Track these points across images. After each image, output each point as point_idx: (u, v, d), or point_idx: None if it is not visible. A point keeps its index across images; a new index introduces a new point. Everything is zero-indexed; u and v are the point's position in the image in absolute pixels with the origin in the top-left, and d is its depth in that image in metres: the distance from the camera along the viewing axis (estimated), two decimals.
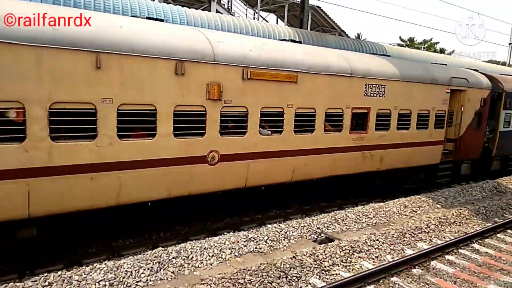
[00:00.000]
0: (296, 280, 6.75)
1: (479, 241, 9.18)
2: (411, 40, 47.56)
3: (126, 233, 8.72)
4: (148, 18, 8.38)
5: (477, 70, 15.39)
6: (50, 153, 6.52)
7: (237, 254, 7.53)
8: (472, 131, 14.80)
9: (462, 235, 9.17)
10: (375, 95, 11.09)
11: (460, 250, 8.60)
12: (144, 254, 6.98)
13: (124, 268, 6.46)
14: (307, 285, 6.66)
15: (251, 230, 8.59)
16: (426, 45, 46.67)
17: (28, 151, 6.31)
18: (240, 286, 6.33)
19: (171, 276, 6.57)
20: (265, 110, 8.93)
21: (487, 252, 8.62)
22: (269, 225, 8.94)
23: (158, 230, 9.08)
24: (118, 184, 7.30)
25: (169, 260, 6.91)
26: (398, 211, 10.66)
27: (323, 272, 7.12)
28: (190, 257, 7.13)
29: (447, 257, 8.24)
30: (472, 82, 14.53)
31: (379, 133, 11.46)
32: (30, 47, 6.09)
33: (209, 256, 7.28)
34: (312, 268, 7.12)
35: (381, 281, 7.00)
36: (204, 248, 7.42)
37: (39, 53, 6.18)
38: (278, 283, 6.58)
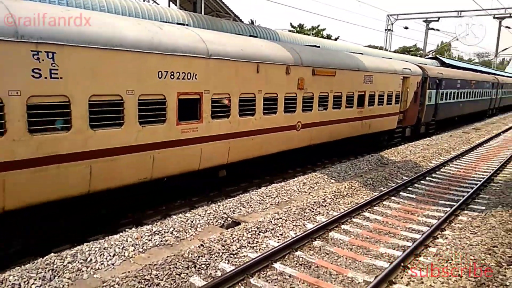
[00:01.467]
0: (205, 267, 6.68)
1: (368, 209, 10.11)
2: (301, 26, 50.02)
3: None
4: None
5: (407, 61, 22.79)
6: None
7: (141, 250, 7.17)
8: (413, 105, 21.69)
9: (354, 205, 9.99)
10: (368, 83, 16.96)
11: (353, 219, 9.38)
12: (33, 263, 6.25)
13: (10, 282, 5.71)
14: (216, 271, 6.63)
15: (155, 223, 8.26)
16: (314, 31, 49.53)
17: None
18: (146, 283, 6.04)
19: (68, 282, 5.98)
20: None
21: (376, 219, 9.55)
22: (174, 216, 8.69)
23: (49, 235, 8.21)
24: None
25: (64, 266, 6.29)
26: (297, 189, 11.22)
27: (232, 256, 7.16)
28: (89, 259, 6.58)
29: (343, 227, 8.91)
30: (413, 71, 21.25)
31: (370, 108, 17.45)
32: None
33: (110, 256, 6.81)
34: (221, 254, 7.11)
35: (286, 257, 7.30)
36: (104, 248, 6.92)
37: None
38: (187, 273, 6.43)
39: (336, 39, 47.24)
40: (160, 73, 8.78)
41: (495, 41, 56.43)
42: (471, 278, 6.29)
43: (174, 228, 7.98)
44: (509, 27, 49.47)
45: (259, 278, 6.56)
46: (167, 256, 6.75)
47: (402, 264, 7.02)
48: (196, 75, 9.55)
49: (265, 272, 6.76)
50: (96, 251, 6.80)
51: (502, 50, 61.22)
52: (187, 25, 11.39)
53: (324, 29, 51.24)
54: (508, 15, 42.25)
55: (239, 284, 6.34)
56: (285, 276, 6.66)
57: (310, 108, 13.86)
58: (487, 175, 13.63)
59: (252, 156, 11.86)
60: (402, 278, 6.70)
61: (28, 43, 6.73)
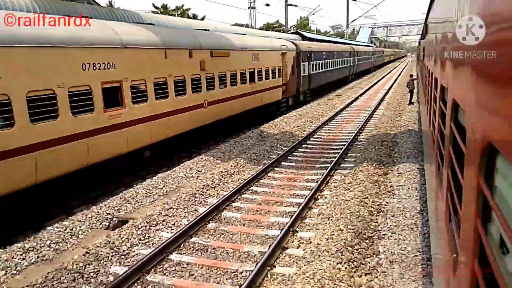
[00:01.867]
0: (95, 275, 6.16)
1: (256, 183, 10.48)
2: (164, 7, 48.42)
3: None
4: None
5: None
6: None
7: (14, 272, 6.27)
8: (292, 78, 24.36)
9: (242, 182, 10.25)
10: (255, 60, 19.31)
11: (243, 195, 9.63)
12: None
13: None
14: (107, 277, 6.17)
15: (28, 239, 7.27)
16: (179, 11, 48.46)
17: None
18: None
19: None
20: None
21: (263, 191, 9.96)
22: (49, 227, 7.76)
23: None
24: None
25: None
26: (185, 175, 11.03)
27: (123, 257, 6.74)
28: None
29: (234, 204, 9.09)
30: (289, 47, 24.05)
31: (259, 83, 19.85)
32: None
33: None
34: (110, 257, 6.63)
35: (181, 246, 7.15)
36: None
37: None
38: (74, 286, 5.86)
39: (202, 19, 47.01)
40: (83, 65, 9.53)
41: (345, 14, 62.80)
42: (350, 230, 7.01)
43: (52, 240, 7.13)
44: (355, 0, 55.40)
45: (156, 273, 6.31)
46: (48, 273, 6.03)
47: (291, 229, 7.47)
48: (114, 64, 10.42)
49: (161, 265, 6.53)
50: None
51: (352, 21, 68.53)
52: (35, 12, 10.00)
53: (189, 9, 50.53)
54: None
55: (135, 284, 6.01)
56: (182, 265, 6.54)
57: (213, 87, 15.56)
58: (352, 135, 15.28)
59: (171, 135, 13.12)
60: (293, 242, 7.14)
61: None
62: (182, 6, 49.81)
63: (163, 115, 12.50)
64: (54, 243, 7.09)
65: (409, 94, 24.24)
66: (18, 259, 6.56)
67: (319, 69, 30.12)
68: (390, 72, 60.93)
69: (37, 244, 6.98)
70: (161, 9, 47.61)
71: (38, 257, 6.69)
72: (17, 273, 6.27)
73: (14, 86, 7.88)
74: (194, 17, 48.56)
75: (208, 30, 17.93)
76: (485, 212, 1.46)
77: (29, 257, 6.64)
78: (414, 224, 7.39)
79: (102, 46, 10.09)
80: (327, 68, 32.58)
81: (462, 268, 1.72)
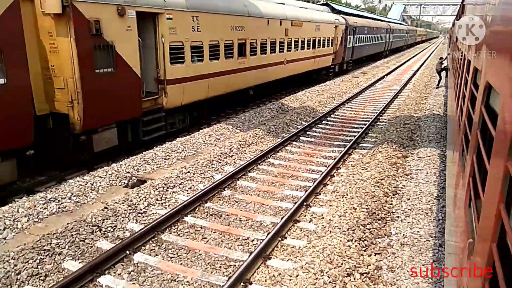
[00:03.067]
0: (112, 230, 6.40)
1: (273, 155, 10.52)
2: None
3: None
4: None
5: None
6: None
7: (36, 219, 6.57)
8: (340, 48, 27.76)
9: (259, 153, 10.30)
10: (317, 31, 23.39)
11: (259, 166, 9.70)
12: None
13: None
14: (124, 232, 6.41)
15: (50, 189, 7.56)
16: None
17: None
18: (47, 253, 5.61)
19: None
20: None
21: (280, 164, 10.00)
22: (71, 180, 8.04)
23: None
24: None
25: None
26: (204, 141, 11.14)
27: (140, 215, 6.95)
28: None
29: (249, 174, 9.18)
30: (340, 22, 27.34)
31: (318, 49, 23.94)
32: None
33: (1, 230, 6.12)
34: (128, 214, 6.85)
35: (196, 210, 7.33)
36: None
37: None
38: (92, 238, 6.11)
39: None
40: (231, 27, 14.54)
41: None
42: (364, 209, 7.02)
43: (73, 193, 7.40)
44: None
45: (170, 233, 6.51)
46: (68, 223, 6.29)
47: (304, 203, 7.54)
48: (243, 27, 15.32)
49: (176, 226, 6.72)
50: None
51: None
52: None
53: None
54: None
55: (150, 242, 6.23)
56: (196, 228, 6.71)
57: (290, 49, 20.07)
58: (374, 115, 15.03)
59: (266, 81, 18.04)
60: (305, 216, 7.22)
61: None
62: None
63: (262, 66, 17.29)
64: (75, 195, 7.36)
65: (437, 76, 23.60)
66: (40, 208, 6.85)
67: (361, 43, 33.56)
68: (420, 52, 59.06)
69: (58, 195, 7.26)
70: None
71: (59, 207, 6.97)
72: (39, 221, 6.57)
73: (204, 37, 12.72)
74: None
75: (284, 4, 21.02)
76: (509, 197, 1.44)
77: (50, 207, 6.93)
78: (429, 209, 7.34)
79: (238, 15, 14.86)
80: (367, 42, 35.95)
81: (479, 252, 1.72)
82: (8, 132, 7.54)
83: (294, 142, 11.80)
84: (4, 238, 6.01)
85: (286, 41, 19.20)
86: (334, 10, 35.97)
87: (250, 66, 16.10)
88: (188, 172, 8.74)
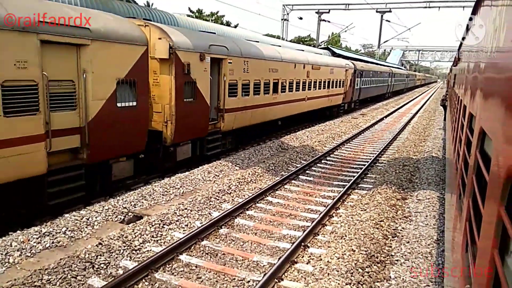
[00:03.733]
0: (105, 267, 6.26)
1: (271, 194, 10.47)
2: (199, 11, 49.30)
3: None
4: None
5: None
6: None
7: (29, 254, 6.45)
8: (349, 89, 31.31)
9: (258, 191, 10.26)
10: (332, 73, 27.03)
11: (257, 204, 9.62)
12: None
13: None
14: (117, 270, 6.26)
15: (45, 223, 7.47)
16: (213, 17, 49.24)
17: None
18: None
19: None
20: None
21: (278, 202, 9.93)
22: (66, 215, 7.95)
23: None
24: None
25: None
26: (202, 178, 11.12)
27: (134, 252, 6.83)
28: None
29: (247, 212, 9.09)
30: (350, 66, 31.30)
31: (333, 89, 27.56)
32: None
33: None
34: (122, 251, 6.73)
35: (192, 248, 7.20)
36: None
37: None
38: (84, 275, 5.97)
39: (235, 27, 47.62)
40: (269, 69, 17.80)
41: (378, 33, 62.34)
42: (362, 251, 6.90)
43: (68, 228, 7.31)
44: (389, 21, 55.08)
45: (164, 272, 6.36)
46: (60, 259, 6.17)
47: (302, 243, 7.42)
48: (277, 69, 18.52)
49: (170, 265, 6.58)
50: None
51: (384, 42, 67.89)
52: (75, 4, 10.42)
53: (223, 16, 51.29)
54: (388, 9, 46.92)
55: (143, 280, 6.08)
56: (191, 267, 6.57)
57: (310, 88, 23.16)
58: (373, 156, 15.09)
59: (290, 114, 21.14)
60: (303, 257, 7.08)
61: None
62: (217, 12, 50.65)
63: (289, 101, 20.37)
64: (69, 230, 7.26)
65: (442, 113, 27.81)
66: (34, 242, 6.74)
67: (367, 85, 37.52)
68: (418, 96, 60.19)
69: (53, 229, 7.17)
70: (196, 13, 48.51)
71: (53, 242, 6.86)
72: (31, 255, 6.45)
73: (251, 77, 15.87)
74: (228, 24, 49.25)
75: (280, 46, 23.49)
76: (503, 243, 1.43)
77: (44, 241, 6.82)
78: (429, 253, 7.22)
79: (274, 60, 18.13)
80: (372, 84, 40.03)
81: None
82: (133, 140, 10.38)
83: (293, 181, 11.77)
84: None
85: (307, 82, 22.67)
86: (334, 54, 37.05)
87: (280, 101, 19.37)
88: (186, 208, 8.66)
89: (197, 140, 13.19)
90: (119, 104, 9.51)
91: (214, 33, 16.10)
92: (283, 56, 19.29)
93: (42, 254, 6.51)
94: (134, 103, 10.02)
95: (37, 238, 6.84)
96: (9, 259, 6.23)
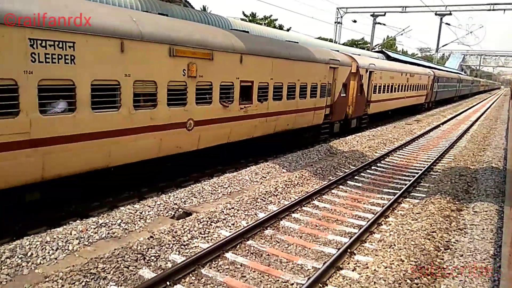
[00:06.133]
0: (155, 259, 6.55)
1: (318, 198, 10.38)
2: (253, 15, 49.93)
3: None
4: None
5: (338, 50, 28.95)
6: None
7: (86, 243, 6.88)
8: (429, 92, 39.44)
9: (304, 194, 10.22)
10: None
11: (303, 208, 9.59)
12: None
13: None
14: (166, 263, 6.52)
15: (102, 215, 7.94)
16: (266, 21, 49.66)
17: None
18: (92, 277, 5.82)
19: (6, 278, 5.63)
20: None
21: (325, 207, 9.83)
22: (122, 208, 8.41)
23: None
24: None
25: (2, 261, 5.90)
26: (250, 179, 11.27)
27: (182, 247, 7.07)
28: (29, 254, 6.22)
29: (293, 215, 9.09)
30: (430, 73, 38.77)
31: (419, 91, 36.54)
32: None
33: (53, 250, 6.48)
34: (171, 245, 6.99)
35: (238, 246, 7.33)
36: (46, 242, 6.56)
37: None
38: (136, 266, 6.27)
39: (288, 30, 47.68)
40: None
41: (436, 37, 59.68)
42: (412, 262, 6.66)
43: (122, 220, 7.72)
44: (449, 24, 52.54)
45: (210, 268, 6.53)
46: (115, 249, 6.53)
47: (348, 250, 7.29)
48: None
49: (216, 262, 6.74)
50: (37, 245, 6.43)
51: (442, 46, 64.95)
52: (136, 9, 11.00)
53: (276, 19, 51.58)
54: (449, 12, 44.69)
55: (190, 275, 6.28)
56: (236, 265, 6.69)
57: (410, 90, 32.93)
58: (427, 164, 14.47)
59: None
60: (348, 264, 6.96)
61: None
62: (270, 16, 51.02)
63: (398, 98, 29.34)
64: (124, 222, 7.67)
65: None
66: (91, 232, 7.19)
67: (441, 89, 45.24)
68: (479, 103, 56.83)
69: (109, 221, 7.60)
70: (250, 17, 49.17)
71: (108, 233, 7.28)
72: (89, 244, 6.88)
73: (381, 82, 24.97)
74: (280, 27, 49.45)
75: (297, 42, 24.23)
76: None
77: (100, 232, 7.25)
78: (484, 268, 6.82)
79: (392, 70, 26.35)
80: (445, 89, 48.22)
81: None
82: (342, 113, 20.36)
83: (341, 186, 11.59)
84: (56, 258, 6.33)
85: (406, 85, 30.65)
86: (389, 58, 35.97)
87: (394, 97, 28.15)
88: (233, 208, 8.83)
89: (358, 117, 22.54)
90: (342, 95, 19.40)
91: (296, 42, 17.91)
92: (397, 68, 28.60)
93: (98, 244, 6.93)
94: (344, 95, 19.83)
95: (94, 228, 7.29)
96: (68, 246, 6.69)
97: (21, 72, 6.74)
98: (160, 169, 10.56)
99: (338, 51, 22.36)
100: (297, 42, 17.80)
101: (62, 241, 6.73)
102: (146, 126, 9.14)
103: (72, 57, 7.39)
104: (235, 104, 11.95)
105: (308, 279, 6.11)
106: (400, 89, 28.92)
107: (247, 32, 14.26)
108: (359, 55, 26.95)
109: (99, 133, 8.15)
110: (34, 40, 6.81)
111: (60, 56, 7.21)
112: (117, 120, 8.45)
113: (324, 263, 6.62)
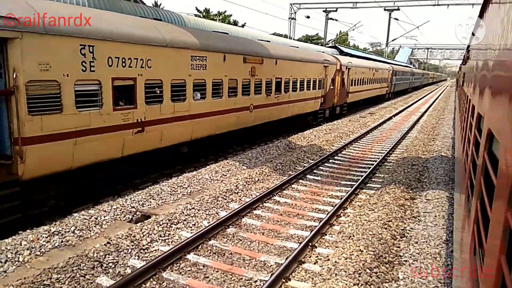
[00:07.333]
0: (113, 266, 6.31)
1: (278, 193, 10.45)
2: (207, 11, 49.41)
3: None
4: None
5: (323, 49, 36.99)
6: None
7: (38, 253, 6.52)
8: (390, 83, 46.19)
9: (265, 190, 10.25)
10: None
11: (265, 204, 9.62)
12: None
13: None
14: (125, 269, 6.30)
15: (54, 222, 7.54)
16: (220, 17, 49.32)
17: None
18: None
19: None
20: None
21: (285, 202, 9.92)
22: (75, 214, 8.03)
23: None
24: None
25: None
26: (210, 177, 11.15)
27: (142, 251, 6.87)
28: None
29: (255, 212, 9.10)
30: (390, 67, 46.45)
31: (381, 84, 43.60)
32: None
33: (1, 262, 6.09)
34: (130, 250, 6.77)
35: (199, 247, 7.22)
36: None
37: None
38: (93, 274, 6.02)
39: (242, 26, 47.63)
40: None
41: (386, 32, 61.88)
42: (370, 252, 6.86)
43: (76, 227, 7.37)
44: (397, 19, 54.58)
45: (171, 271, 6.39)
46: (69, 258, 6.23)
47: (310, 243, 7.40)
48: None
49: (178, 264, 6.61)
50: None
51: (392, 40, 67.32)
52: (83, 5, 10.50)
53: (230, 15, 51.36)
54: (397, 7, 46.45)
55: (151, 279, 6.11)
56: (199, 267, 6.59)
57: (375, 83, 39.38)
58: (381, 156, 14.99)
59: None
60: (310, 257, 7.06)
61: None
62: (224, 12, 50.71)
63: (367, 90, 35.31)
64: (78, 229, 7.33)
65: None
66: (43, 241, 6.82)
67: (398, 81, 51.19)
68: (427, 95, 59.81)
69: (62, 228, 7.24)
70: (203, 13, 48.62)
71: (62, 241, 6.93)
72: (41, 254, 6.52)
73: (359, 76, 31.58)
74: (235, 23, 49.27)
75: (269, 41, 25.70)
76: (510, 249, 1.41)
77: (53, 241, 6.89)
78: (438, 253, 7.16)
79: (366, 68, 33.45)
80: (401, 81, 54.56)
81: None
82: (330, 102, 25.58)
83: (300, 181, 11.74)
84: (5, 271, 5.95)
85: (372, 79, 36.35)
86: (342, 52, 36.88)
87: (364, 89, 33.94)
88: (193, 208, 8.69)
89: (341, 105, 27.52)
90: (331, 87, 24.34)
91: (227, 33, 17.44)
92: (366, 65, 34.17)
93: (52, 253, 6.58)
94: (333, 87, 24.46)
95: (46, 237, 6.91)
96: (19, 258, 6.30)
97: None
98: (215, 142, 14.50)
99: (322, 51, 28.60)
100: (269, 41, 20.91)
101: (12, 253, 6.34)
102: (231, 108, 14.51)
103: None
104: (272, 94, 17.76)
105: (271, 275, 6.13)
106: (369, 82, 34.99)
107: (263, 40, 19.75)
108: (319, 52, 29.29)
109: (212, 112, 13.43)
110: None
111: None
112: (222, 104, 13.94)
113: (286, 258, 6.67)
